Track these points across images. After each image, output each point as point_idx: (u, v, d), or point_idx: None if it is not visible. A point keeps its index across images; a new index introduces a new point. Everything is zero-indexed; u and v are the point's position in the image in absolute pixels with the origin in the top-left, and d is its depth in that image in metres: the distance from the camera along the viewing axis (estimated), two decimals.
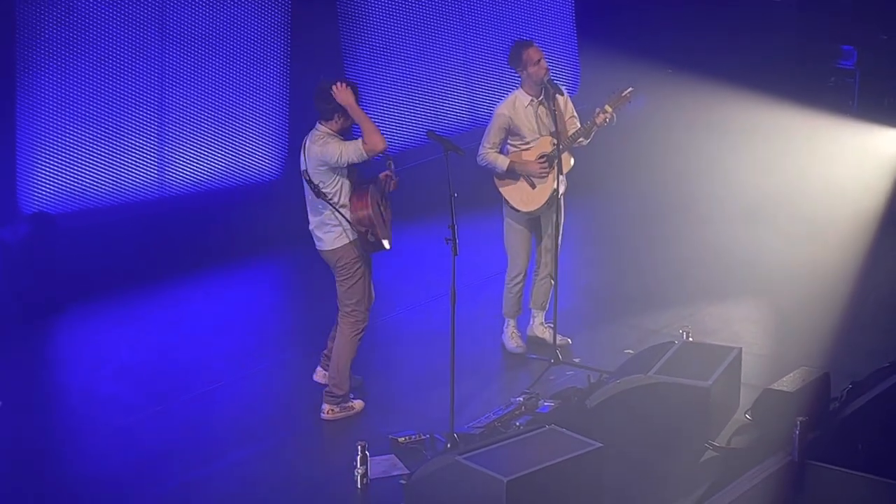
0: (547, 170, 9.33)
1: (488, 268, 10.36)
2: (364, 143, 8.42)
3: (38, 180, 11.07)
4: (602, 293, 10.97)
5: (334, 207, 8.57)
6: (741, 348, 8.75)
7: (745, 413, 8.44)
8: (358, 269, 8.69)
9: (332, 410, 8.79)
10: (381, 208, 8.72)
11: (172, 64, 11.69)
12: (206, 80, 11.91)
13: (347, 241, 8.64)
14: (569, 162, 9.46)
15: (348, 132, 8.72)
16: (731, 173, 13.08)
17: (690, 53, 13.97)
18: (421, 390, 9.12)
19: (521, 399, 8.72)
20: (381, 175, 8.84)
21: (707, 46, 14.00)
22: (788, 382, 8.24)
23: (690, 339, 9.12)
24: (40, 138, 11.05)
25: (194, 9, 11.76)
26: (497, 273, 9.83)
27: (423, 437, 8.34)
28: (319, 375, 9.16)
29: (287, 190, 11.90)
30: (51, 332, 10.46)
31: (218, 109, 12.01)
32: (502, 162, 9.38)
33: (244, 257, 11.70)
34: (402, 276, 11.23)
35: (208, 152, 11.98)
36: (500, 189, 9.50)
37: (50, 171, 11.11)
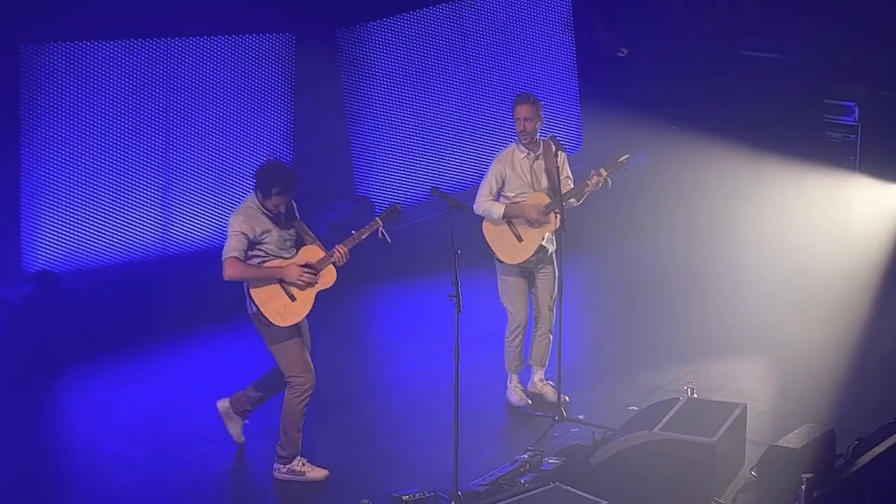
0: (544, 217, 9.31)
1: (492, 324, 10.34)
2: (225, 258, 8.33)
3: (42, 239, 11.10)
4: (606, 350, 10.94)
5: None
6: (746, 405, 8.72)
7: (751, 470, 8.39)
8: (274, 338, 8.57)
9: (279, 470, 8.71)
10: (290, 285, 8.46)
11: (176, 124, 11.75)
12: (210, 140, 11.96)
13: (253, 311, 8.61)
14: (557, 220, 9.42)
15: (280, 217, 8.52)
16: (735, 228, 13.09)
17: (692, 110, 14.01)
18: (425, 447, 9.08)
19: (526, 456, 8.66)
20: (337, 247, 8.48)
21: (709, 103, 14.05)
22: (794, 439, 8.20)
23: (695, 395, 9.07)
24: (44, 197, 11.09)
25: (198, 70, 11.82)
26: (501, 329, 9.80)
27: (427, 494, 8.27)
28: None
29: None
30: (53, 390, 10.44)
31: (221, 169, 12.05)
32: (497, 209, 9.38)
33: (246, 316, 11.67)
34: (406, 332, 11.21)
35: (211, 211, 12.00)
36: (488, 239, 9.49)
37: (53, 230, 11.14)
